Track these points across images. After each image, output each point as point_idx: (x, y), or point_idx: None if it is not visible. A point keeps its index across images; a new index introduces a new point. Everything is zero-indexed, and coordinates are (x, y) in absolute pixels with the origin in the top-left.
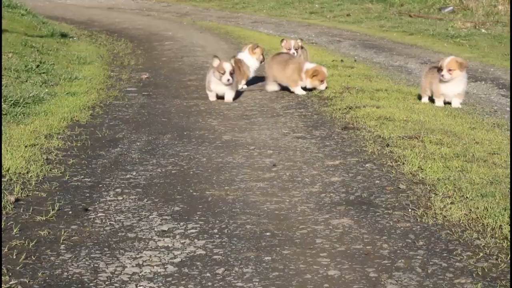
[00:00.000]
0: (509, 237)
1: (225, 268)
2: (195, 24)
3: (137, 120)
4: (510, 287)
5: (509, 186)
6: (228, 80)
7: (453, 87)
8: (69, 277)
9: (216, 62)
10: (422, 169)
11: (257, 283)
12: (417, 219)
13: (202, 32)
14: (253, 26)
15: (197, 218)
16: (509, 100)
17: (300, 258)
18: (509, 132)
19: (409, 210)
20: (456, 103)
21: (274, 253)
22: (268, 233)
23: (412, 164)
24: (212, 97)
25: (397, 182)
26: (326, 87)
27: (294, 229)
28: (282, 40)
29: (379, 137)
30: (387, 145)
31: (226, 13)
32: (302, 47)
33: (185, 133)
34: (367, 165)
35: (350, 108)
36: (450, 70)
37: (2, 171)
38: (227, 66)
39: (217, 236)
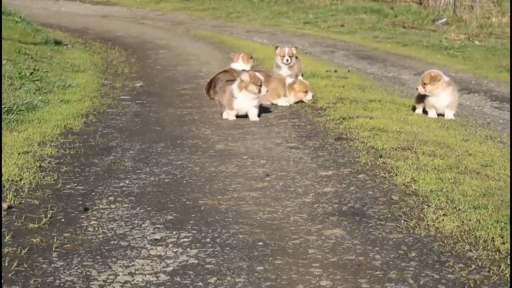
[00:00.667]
0: (501, 249)
1: (217, 277)
2: (189, 33)
3: (130, 129)
4: None
5: (501, 198)
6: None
7: (440, 100)
8: (61, 284)
9: (246, 76)
10: (415, 180)
11: None
12: (409, 231)
13: (196, 41)
14: (247, 36)
15: (189, 227)
16: (502, 112)
17: (293, 268)
18: (502, 144)
19: (402, 221)
20: (448, 114)
21: (266, 263)
22: (260, 243)
23: (405, 176)
24: (231, 116)
25: (390, 193)
26: (313, 96)
27: (287, 239)
28: (276, 47)
29: (372, 148)
30: (380, 156)
31: (220, 22)
32: (296, 57)
33: (178, 142)
34: (360, 176)
35: (343, 119)
36: (424, 84)
37: None
38: (261, 77)
39: (209, 245)
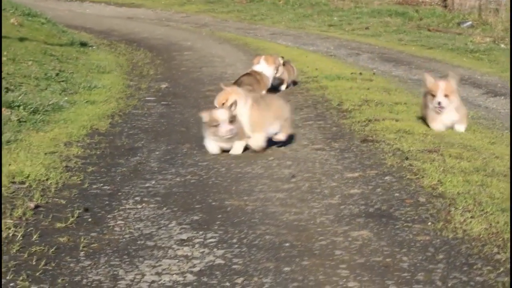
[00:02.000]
0: None
1: (244, 278)
2: (214, 35)
3: (156, 130)
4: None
5: None
6: (231, 130)
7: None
8: (89, 284)
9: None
10: (441, 182)
11: None
12: (437, 233)
13: (221, 43)
14: (271, 38)
15: (216, 227)
16: None
17: (320, 269)
18: None
19: (429, 223)
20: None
21: (293, 264)
22: (287, 244)
23: (432, 178)
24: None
25: (417, 195)
26: None
27: (314, 240)
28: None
29: (399, 150)
30: (407, 158)
31: (245, 25)
32: (284, 64)
33: (203, 143)
34: (386, 177)
35: (369, 121)
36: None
37: (22, 177)
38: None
39: (236, 246)
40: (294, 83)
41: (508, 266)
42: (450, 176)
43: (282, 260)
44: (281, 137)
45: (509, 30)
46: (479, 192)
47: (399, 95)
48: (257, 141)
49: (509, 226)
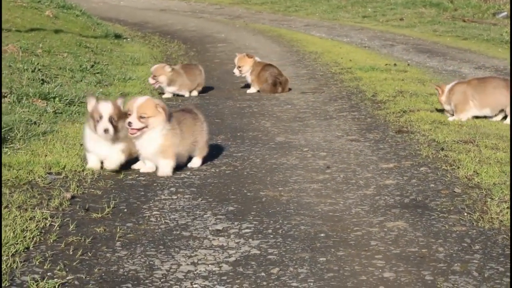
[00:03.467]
0: None
1: (279, 268)
2: (247, 26)
3: None
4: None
5: None
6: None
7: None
8: (125, 273)
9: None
10: (477, 173)
11: (312, 283)
12: (473, 223)
13: (255, 34)
14: (305, 30)
15: (251, 218)
16: None
17: (355, 260)
18: None
19: (465, 214)
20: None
21: (329, 254)
22: (322, 234)
23: (468, 168)
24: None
25: (452, 186)
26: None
27: (349, 231)
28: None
29: (434, 141)
30: (442, 149)
31: (279, 16)
32: (256, 63)
33: (238, 134)
34: (421, 168)
35: (404, 112)
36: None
37: (58, 168)
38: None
39: (271, 236)
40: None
41: None
42: (486, 167)
43: (318, 250)
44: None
45: None
46: None
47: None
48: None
49: None
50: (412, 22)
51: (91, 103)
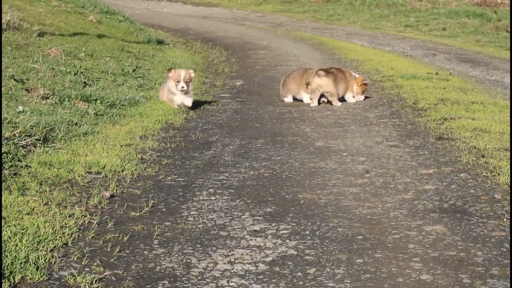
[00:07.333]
0: None
1: (316, 268)
2: (289, 34)
3: (230, 125)
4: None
5: None
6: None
7: None
8: (162, 271)
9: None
10: None
11: (348, 284)
12: None
13: (296, 42)
14: (347, 38)
15: (289, 219)
16: None
17: (392, 262)
18: None
19: (504, 219)
20: None
21: (366, 256)
22: (360, 237)
23: (508, 175)
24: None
25: (492, 192)
26: None
27: (387, 234)
28: (169, 70)
29: (474, 148)
30: (483, 156)
31: (321, 24)
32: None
33: (278, 138)
34: (461, 174)
35: (444, 119)
36: None
37: (98, 168)
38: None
39: (308, 237)
40: None
41: None
42: None
43: (355, 252)
44: None
45: None
46: None
47: (476, 95)
48: None
49: None
50: (455, 32)
51: (172, 72)
